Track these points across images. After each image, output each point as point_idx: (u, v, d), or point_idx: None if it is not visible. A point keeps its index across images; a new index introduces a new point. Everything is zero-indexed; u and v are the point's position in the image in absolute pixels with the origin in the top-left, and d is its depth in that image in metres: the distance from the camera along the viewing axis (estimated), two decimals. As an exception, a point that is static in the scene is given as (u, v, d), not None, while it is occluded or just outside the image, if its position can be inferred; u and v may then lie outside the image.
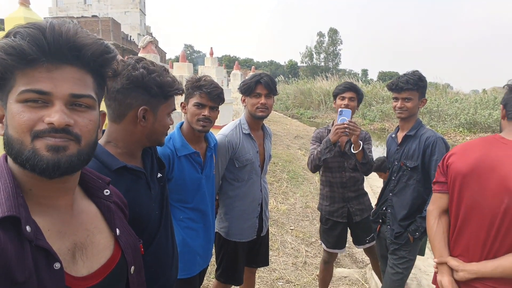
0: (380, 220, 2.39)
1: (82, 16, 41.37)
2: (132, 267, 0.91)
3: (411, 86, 2.18)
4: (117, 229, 0.90)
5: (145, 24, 51.81)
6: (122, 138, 1.23)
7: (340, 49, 66.23)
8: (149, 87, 1.20)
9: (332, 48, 65.53)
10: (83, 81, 0.74)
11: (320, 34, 66.14)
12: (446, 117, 17.86)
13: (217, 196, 2.20)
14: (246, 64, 68.58)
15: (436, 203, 1.67)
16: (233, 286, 2.40)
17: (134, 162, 1.25)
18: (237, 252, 2.23)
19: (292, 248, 4.05)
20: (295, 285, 3.29)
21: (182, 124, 1.93)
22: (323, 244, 2.79)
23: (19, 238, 0.65)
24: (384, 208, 2.37)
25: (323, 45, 65.97)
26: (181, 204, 1.86)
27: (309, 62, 65.45)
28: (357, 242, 2.77)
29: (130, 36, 44.64)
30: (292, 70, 64.56)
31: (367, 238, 2.70)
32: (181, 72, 7.45)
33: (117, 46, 41.01)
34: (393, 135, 2.44)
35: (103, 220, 0.88)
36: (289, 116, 21.22)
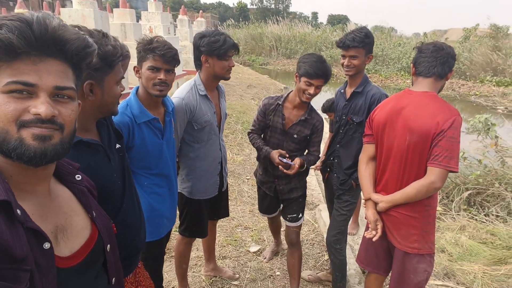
0: (328, 169, 2.64)
1: None
2: (108, 245, 0.99)
3: (357, 43, 2.28)
4: (93, 212, 0.97)
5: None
6: None
7: (290, -10, 64.20)
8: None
9: (282, -11, 63.28)
10: (66, 73, 0.78)
11: (269, -26, 63.19)
12: (389, 61, 18.69)
13: (177, 158, 2.27)
14: (193, 6, 64.38)
15: (365, 152, 2.05)
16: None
17: (90, 136, 1.26)
18: (201, 208, 2.36)
19: (249, 196, 4.32)
20: (252, 230, 3.59)
21: (137, 89, 1.89)
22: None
23: (11, 221, 0.70)
24: (332, 158, 2.60)
25: (273, -15, 63.40)
26: (145, 171, 1.91)
27: (259, 4, 63.12)
28: (282, 215, 2.66)
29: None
30: (242, 13, 61.99)
31: (289, 217, 2.53)
32: (123, 20, 6.90)
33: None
34: (342, 90, 2.58)
35: (78, 203, 0.94)
36: (241, 63, 20.84)
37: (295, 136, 2.35)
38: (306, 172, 2.52)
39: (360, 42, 2.28)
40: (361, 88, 2.40)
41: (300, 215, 2.56)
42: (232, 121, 7.11)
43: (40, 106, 0.71)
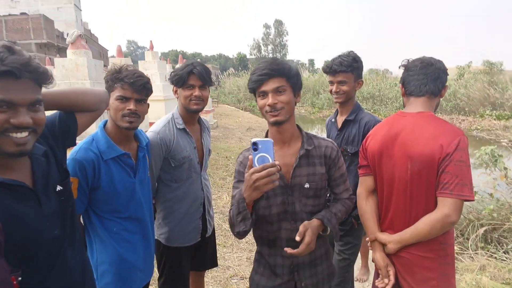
0: (326, 208, 2.39)
1: (10, 14, 37.84)
2: None
3: (345, 68, 2.14)
4: None
5: (81, 20, 48.64)
6: None
7: (286, 40, 67.44)
8: None
9: (278, 40, 66.44)
10: None
11: (266, 26, 66.73)
12: (387, 100, 18.94)
13: (153, 200, 2.04)
14: (194, 58, 67.23)
15: (363, 186, 1.78)
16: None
17: (12, 174, 1.07)
18: (180, 258, 2.09)
19: (246, 242, 3.99)
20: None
21: (105, 122, 1.73)
22: None
23: None
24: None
25: (270, 36, 66.60)
26: (114, 215, 1.68)
27: (257, 54, 65.88)
28: None
29: (67, 34, 41.65)
30: (241, 62, 64.41)
31: None
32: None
33: (51, 45, 38.11)
34: (333, 119, 2.42)
35: None
36: (242, 109, 21.19)
37: (307, 186, 1.46)
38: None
39: (348, 66, 2.14)
40: (353, 116, 2.24)
41: None
42: (230, 164, 6.95)
43: None
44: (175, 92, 2.05)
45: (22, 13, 38.44)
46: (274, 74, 1.39)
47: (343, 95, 2.19)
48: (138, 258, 1.75)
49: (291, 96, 1.42)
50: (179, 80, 1.97)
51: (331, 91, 2.25)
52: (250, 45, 66.70)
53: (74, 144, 1.38)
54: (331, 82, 2.22)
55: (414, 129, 1.55)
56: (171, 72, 2.04)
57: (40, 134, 1.08)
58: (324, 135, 2.03)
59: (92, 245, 1.72)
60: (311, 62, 75.33)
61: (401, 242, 1.55)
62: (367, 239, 1.70)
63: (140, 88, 1.64)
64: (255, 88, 1.44)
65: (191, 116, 2.08)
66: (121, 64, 1.68)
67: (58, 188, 1.19)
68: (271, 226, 1.48)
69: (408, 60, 1.72)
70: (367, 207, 1.73)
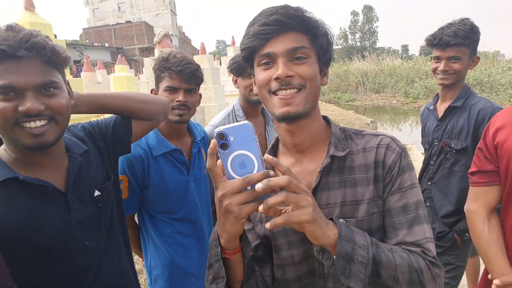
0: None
1: (117, 23, 42.86)
2: None
3: (461, 40, 1.65)
4: None
5: (176, 24, 52.61)
6: None
7: (376, 27, 63.17)
8: None
9: (367, 26, 62.61)
10: None
11: (354, 13, 63.37)
12: (499, 87, 16.21)
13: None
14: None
15: (481, 200, 1.23)
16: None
17: (41, 173, 0.95)
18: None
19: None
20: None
21: None
22: None
23: None
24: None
25: (358, 24, 63.19)
26: (166, 216, 1.55)
27: (344, 44, 63.05)
28: None
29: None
30: (327, 54, 62.64)
31: None
32: (201, 65, 7.17)
33: (151, 49, 42.10)
34: (431, 107, 1.94)
35: None
36: (326, 102, 20.45)
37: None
38: None
39: (465, 37, 1.65)
40: (461, 102, 1.74)
41: None
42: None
43: None
44: (235, 82, 1.86)
45: (127, 22, 43.18)
46: (290, 25, 0.77)
47: (453, 75, 1.71)
48: (191, 263, 1.59)
49: (316, 69, 0.81)
50: (238, 69, 1.76)
51: (434, 70, 1.77)
52: (336, 34, 64.17)
53: (128, 151, 1.25)
54: (437, 58, 1.74)
55: None
56: (230, 60, 1.83)
57: (64, 125, 0.94)
58: (419, 129, 1.54)
59: (146, 247, 1.62)
60: (405, 47, 69.48)
61: None
62: (494, 280, 1.17)
63: (188, 76, 1.47)
64: (253, 49, 0.80)
65: (253, 107, 1.87)
66: (168, 52, 1.52)
67: (96, 193, 1.05)
68: None
69: None
70: (491, 234, 1.20)
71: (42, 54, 0.86)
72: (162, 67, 1.49)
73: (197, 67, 1.52)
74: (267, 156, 0.66)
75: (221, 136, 0.66)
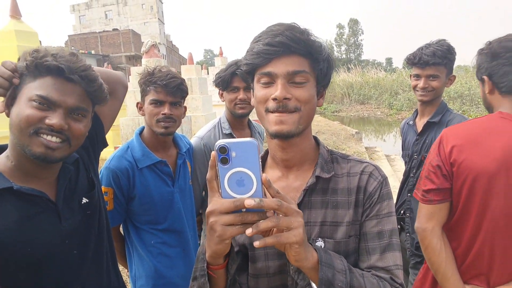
0: (398, 226, 1.99)
1: (104, 31, 42.59)
2: None
3: (439, 59, 1.75)
4: None
5: (164, 32, 52.64)
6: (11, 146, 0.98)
7: (362, 40, 64.63)
8: None
9: (353, 39, 64.00)
10: None
11: (340, 26, 64.76)
12: (479, 100, 16.74)
13: (200, 211, 1.88)
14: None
15: (436, 218, 1.25)
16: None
17: (34, 183, 0.96)
18: None
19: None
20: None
21: (142, 129, 1.64)
22: None
23: None
24: (402, 212, 1.97)
25: (343, 37, 64.53)
26: (151, 226, 1.57)
27: (330, 56, 64.16)
28: None
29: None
30: (313, 65, 63.59)
31: None
32: (189, 75, 7.24)
33: (138, 57, 41.93)
34: (410, 122, 2.03)
35: None
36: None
37: (320, 244, 0.85)
38: None
39: (443, 57, 1.74)
40: (438, 118, 1.82)
41: None
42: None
43: None
44: (221, 95, 1.89)
45: (114, 29, 42.99)
46: (294, 48, 0.79)
47: (431, 92, 1.81)
48: (176, 274, 1.60)
49: (312, 93, 0.84)
50: (222, 83, 1.80)
51: (414, 87, 1.85)
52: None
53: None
54: (417, 76, 1.84)
55: None
56: (216, 74, 1.87)
57: (73, 149, 0.98)
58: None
59: (131, 258, 1.63)
60: (389, 60, 71.18)
61: None
62: None
63: (174, 90, 1.51)
64: (255, 66, 0.83)
65: (238, 120, 1.90)
66: (153, 64, 1.56)
67: (84, 200, 1.07)
68: None
69: (491, 42, 1.24)
70: (447, 253, 1.23)
71: (90, 86, 0.95)
72: (148, 81, 1.53)
73: (182, 81, 1.56)
74: (264, 175, 0.65)
75: (223, 150, 0.64)
